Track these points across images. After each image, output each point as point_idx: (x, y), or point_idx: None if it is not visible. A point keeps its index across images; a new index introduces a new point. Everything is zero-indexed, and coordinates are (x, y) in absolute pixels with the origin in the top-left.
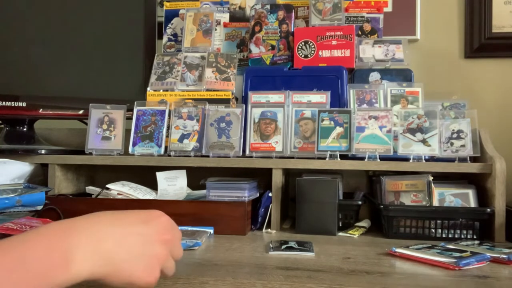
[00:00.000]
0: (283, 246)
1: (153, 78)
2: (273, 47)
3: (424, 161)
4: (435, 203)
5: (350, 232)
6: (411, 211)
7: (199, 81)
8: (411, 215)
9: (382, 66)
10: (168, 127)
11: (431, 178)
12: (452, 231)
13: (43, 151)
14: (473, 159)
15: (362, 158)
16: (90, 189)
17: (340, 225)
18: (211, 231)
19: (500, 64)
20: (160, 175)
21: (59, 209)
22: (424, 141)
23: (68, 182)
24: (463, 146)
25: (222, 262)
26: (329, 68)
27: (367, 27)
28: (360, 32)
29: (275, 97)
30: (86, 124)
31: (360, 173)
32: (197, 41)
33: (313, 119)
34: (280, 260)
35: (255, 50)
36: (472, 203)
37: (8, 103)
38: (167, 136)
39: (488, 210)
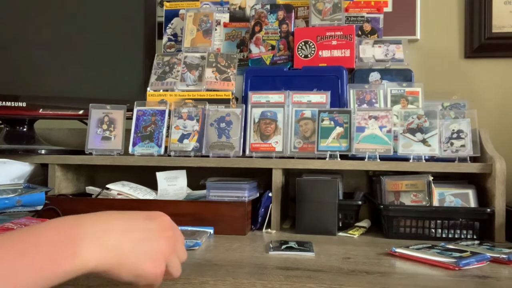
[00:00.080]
0: (283, 246)
1: (153, 78)
2: (273, 47)
3: (424, 161)
4: (435, 203)
5: (350, 232)
6: (411, 211)
7: (199, 81)
8: (411, 215)
9: (382, 66)
10: (168, 127)
11: (431, 178)
12: (452, 231)
13: (43, 151)
14: (473, 159)
15: (362, 158)
16: (90, 189)
17: (340, 225)
18: (211, 231)
19: (500, 64)
20: (160, 175)
21: (59, 209)
22: (424, 141)
23: (68, 182)
24: (463, 146)
25: (222, 262)
26: (329, 68)
27: (367, 27)
28: (360, 32)
29: (275, 97)
30: (86, 124)
31: (360, 173)
32: (197, 41)
33: (313, 119)
34: (280, 260)
35: (255, 50)
36: (472, 203)
37: (8, 103)
38: (167, 136)
39: (488, 210)
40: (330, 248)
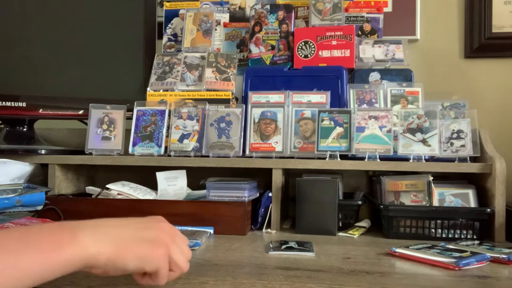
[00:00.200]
0: (283, 246)
1: (153, 78)
2: (273, 47)
3: (424, 161)
4: (435, 203)
5: (350, 232)
6: (411, 211)
7: (199, 81)
8: (411, 215)
9: (382, 66)
10: (168, 127)
11: (431, 178)
12: (452, 231)
13: (43, 151)
14: (473, 159)
15: (362, 158)
16: (90, 189)
17: (340, 225)
18: (211, 231)
19: (500, 64)
20: (160, 175)
21: (59, 209)
22: (424, 141)
23: (68, 182)
24: (463, 146)
25: (222, 262)
26: (329, 68)
27: (367, 27)
28: (360, 32)
29: (275, 97)
30: (86, 124)
31: (360, 173)
32: (197, 41)
33: (313, 119)
34: (280, 260)
35: (255, 50)
36: (472, 203)
37: (8, 103)
38: (167, 136)
39: (488, 210)
40: (330, 248)
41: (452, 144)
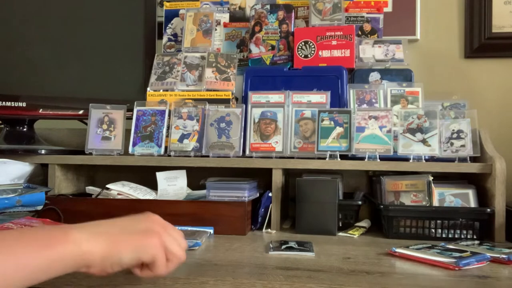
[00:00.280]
0: (283, 246)
1: (153, 78)
2: (273, 47)
3: (424, 161)
4: (435, 203)
5: (350, 232)
6: (411, 211)
7: (199, 81)
8: (411, 215)
9: (382, 66)
10: (168, 127)
11: (431, 178)
12: (452, 231)
13: (43, 151)
14: (473, 159)
15: (362, 158)
16: (90, 189)
17: (340, 225)
18: (211, 231)
19: (500, 64)
20: (160, 175)
21: (59, 209)
22: (424, 141)
23: (68, 182)
24: (463, 146)
25: (222, 262)
26: (329, 68)
27: (367, 27)
28: (360, 32)
29: (275, 97)
30: (86, 124)
31: (360, 173)
32: (197, 41)
33: (313, 119)
34: (280, 260)
35: (255, 50)
36: (472, 203)
37: (8, 103)
38: (167, 136)
39: (488, 210)
40: (330, 248)
41: (452, 144)
